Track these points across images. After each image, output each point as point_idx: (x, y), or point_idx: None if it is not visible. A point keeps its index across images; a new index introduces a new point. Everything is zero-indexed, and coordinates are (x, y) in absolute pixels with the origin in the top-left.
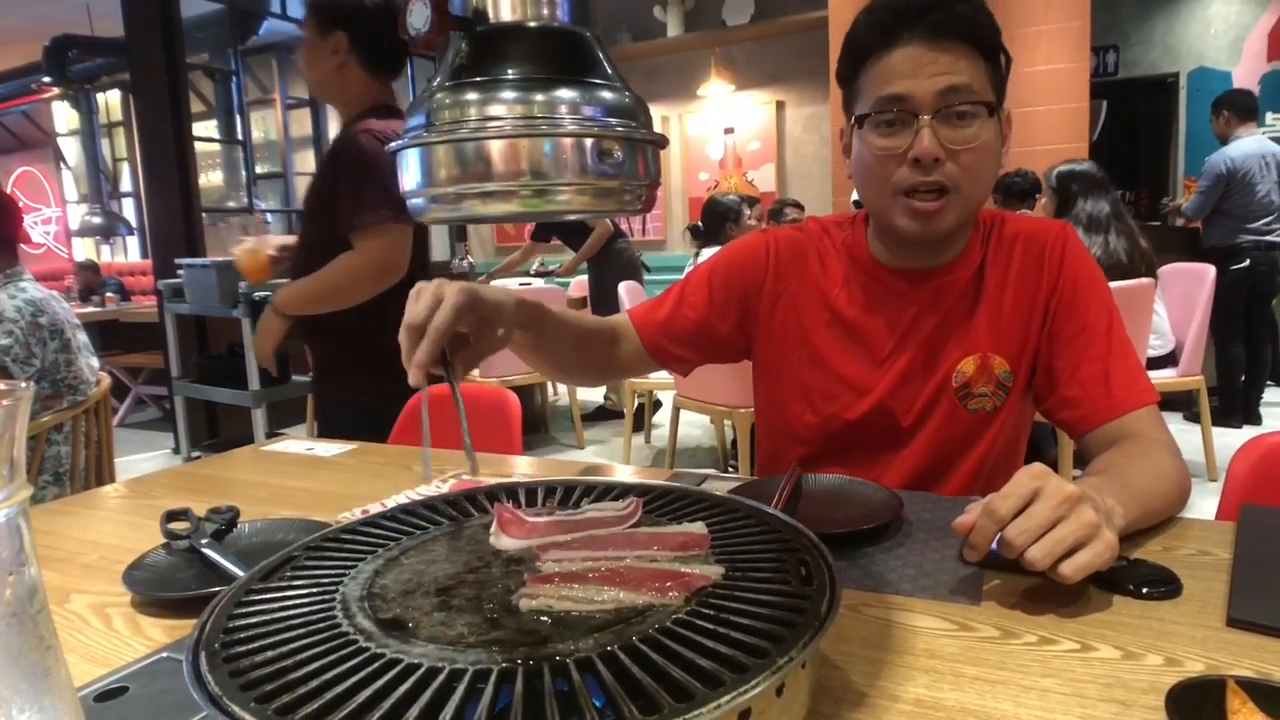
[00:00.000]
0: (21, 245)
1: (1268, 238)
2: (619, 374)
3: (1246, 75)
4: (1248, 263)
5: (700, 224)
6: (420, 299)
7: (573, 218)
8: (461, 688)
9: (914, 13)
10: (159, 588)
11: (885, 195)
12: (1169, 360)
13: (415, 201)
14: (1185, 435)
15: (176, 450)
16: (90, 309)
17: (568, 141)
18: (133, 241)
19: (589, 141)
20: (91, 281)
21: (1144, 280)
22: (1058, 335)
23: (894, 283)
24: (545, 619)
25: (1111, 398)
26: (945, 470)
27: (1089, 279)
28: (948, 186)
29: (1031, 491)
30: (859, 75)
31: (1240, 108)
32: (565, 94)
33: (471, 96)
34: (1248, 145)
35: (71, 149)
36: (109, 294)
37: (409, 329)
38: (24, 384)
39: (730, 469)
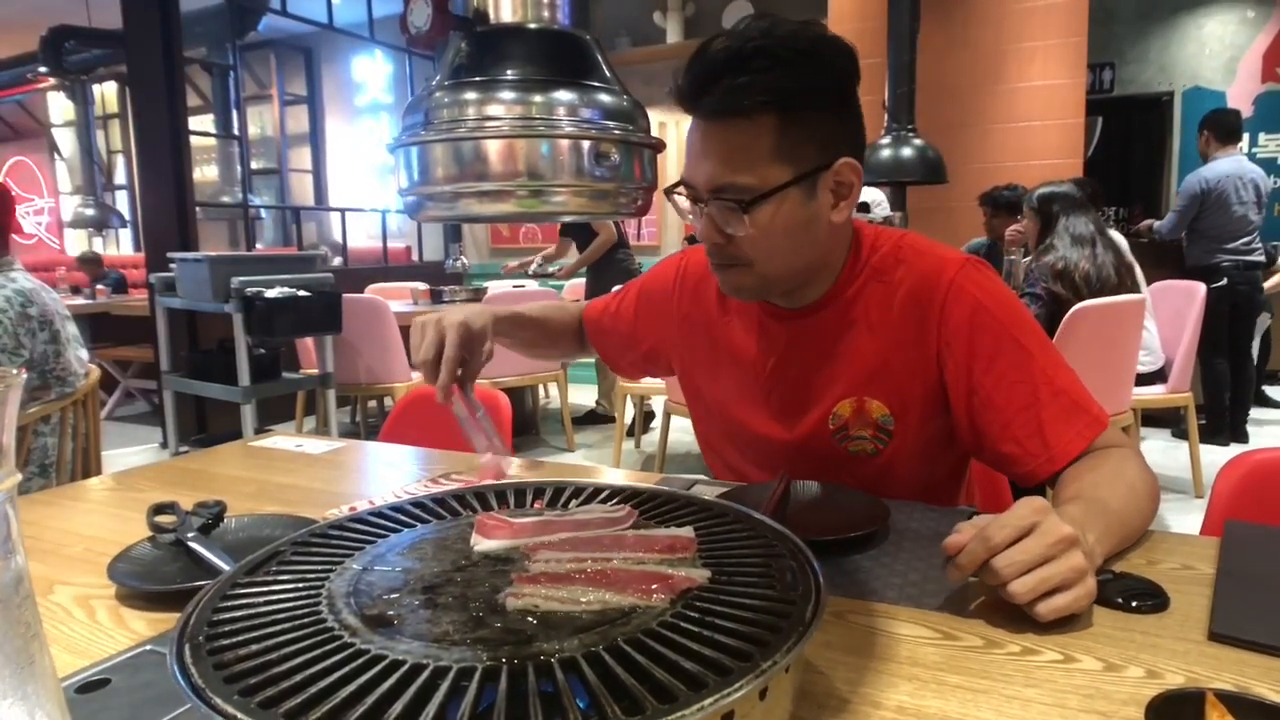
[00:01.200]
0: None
1: (1247, 257)
2: (586, 356)
3: (1241, 95)
4: (1225, 281)
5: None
6: (426, 337)
7: (568, 219)
8: (445, 685)
9: (703, 82)
10: (144, 580)
11: None
12: (1158, 376)
13: (411, 199)
14: (1172, 452)
15: (165, 445)
16: (80, 300)
17: (565, 143)
18: (125, 234)
19: (586, 144)
20: (94, 274)
21: (1135, 296)
22: (976, 389)
23: (763, 316)
24: (530, 619)
25: (1050, 450)
26: None
27: (998, 323)
28: (737, 261)
29: (1029, 525)
30: None
31: (1221, 128)
32: (563, 96)
33: (470, 96)
34: (1224, 166)
35: (66, 140)
36: (100, 286)
37: (425, 365)
38: (15, 370)
39: None
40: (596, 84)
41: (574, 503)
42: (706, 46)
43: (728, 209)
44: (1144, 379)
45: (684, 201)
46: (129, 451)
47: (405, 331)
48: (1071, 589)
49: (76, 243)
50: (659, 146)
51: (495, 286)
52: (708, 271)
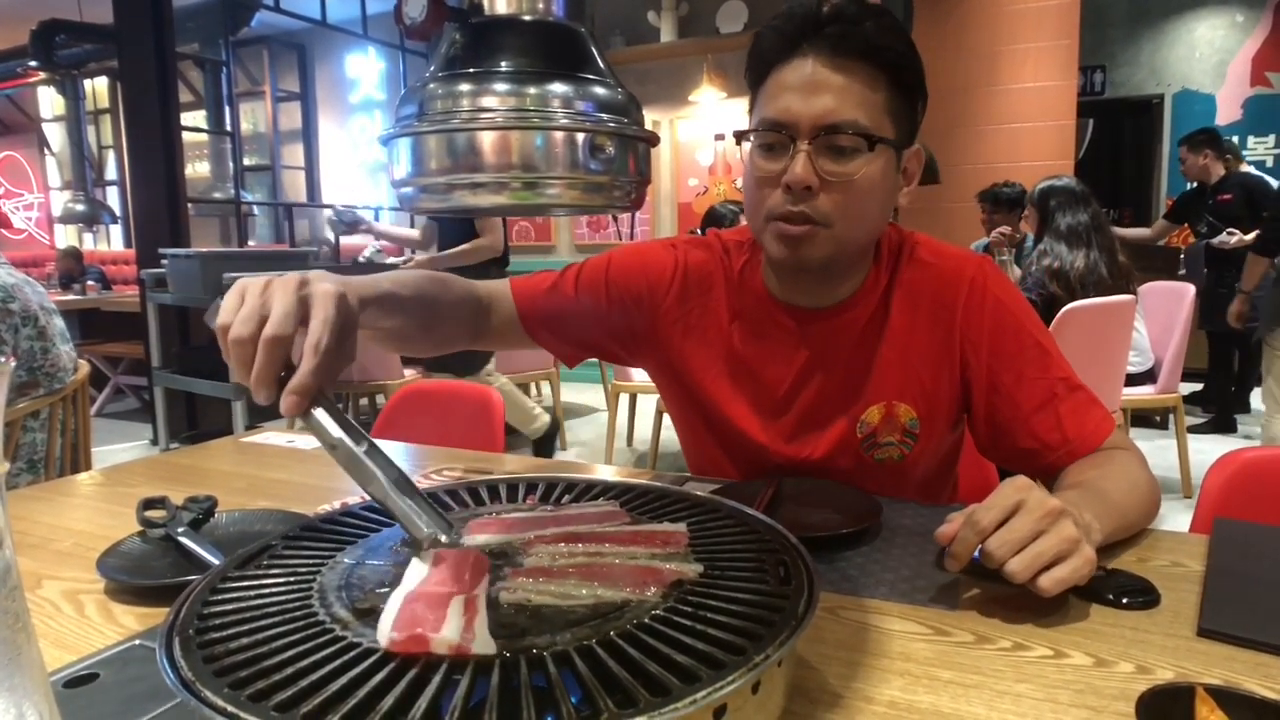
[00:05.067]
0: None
1: None
2: (487, 345)
3: (1229, 99)
4: None
5: (702, 231)
6: (274, 302)
7: (563, 213)
8: (437, 679)
9: (816, 24)
10: (133, 575)
11: (759, 219)
12: (1148, 377)
13: (405, 190)
14: (1164, 452)
15: (155, 441)
16: (71, 296)
17: (559, 135)
18: (116, 230)
19: (580, 136)
20: (73, 269)
21: (1125, 297)
22: (997, 388)
23: (784, 320)
24: (523, 612)
25: (1070, 442)
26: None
27: (1016, 321)
28: (815, 219)
29: (1014, 504)
30: (760, 84)
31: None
32: (558, 88)
33: (464, 87)
34: None
35: (56, 135)
36: (90, 282)
37: (236, 341)
38: (2, 359)
39: None
40: (591, 77)
41: (566, 498)
42: None
43: (837, 149)
44: (1133, 380)
45: (747, 150)
46: (119, 448)
47: None
48: (1069, 559)
49: (67, 238)
50: (653, 140)
51: None
52: (710, 270)
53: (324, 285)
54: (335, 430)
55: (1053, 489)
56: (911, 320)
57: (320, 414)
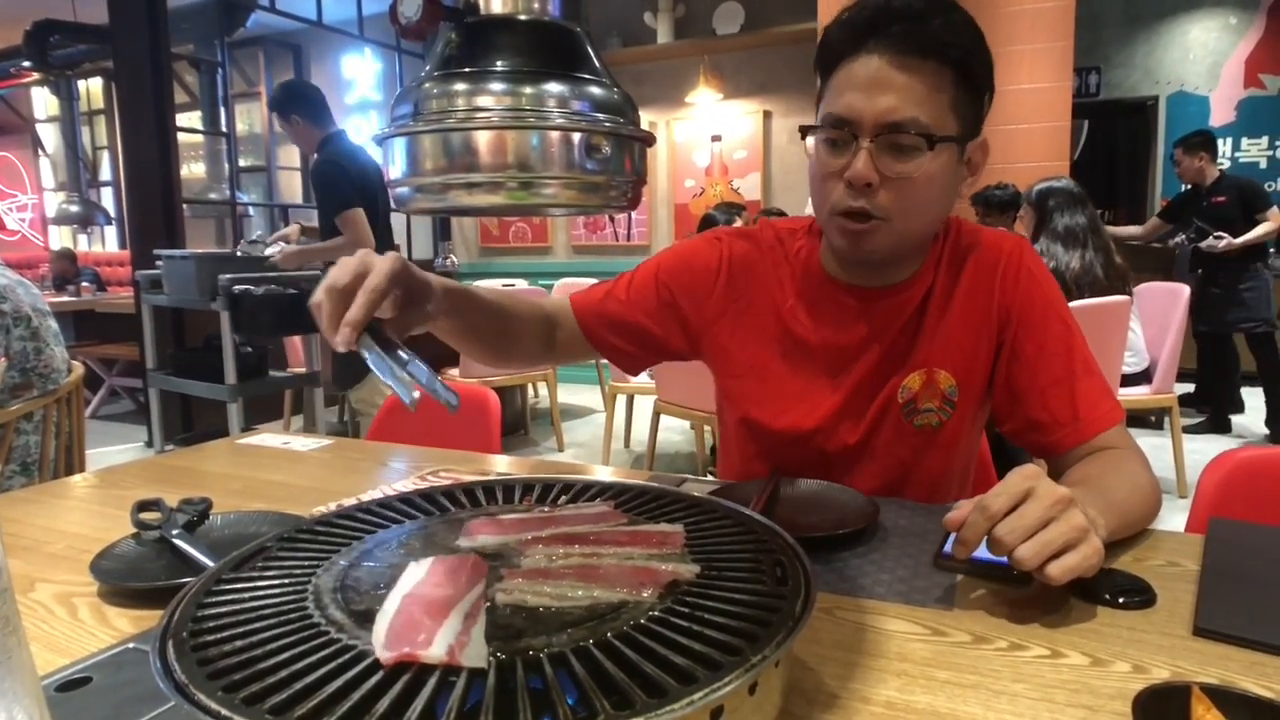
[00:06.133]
0: None
1: None
2: (558, 360)
3: (1223, 100)
4: None
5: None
6: (345, 264)
7: (559, 213)
8: (432, 681)
9: (885, 19)
10: (127, 577)
11: (824, 211)
12: (1143, 378)
13: (400, 190)
14: (1159, 452)
15: (150, 443)
16: (66, 298)
17: (555, 135)
18: (110, 231)
19: (576, 136)
20: (67, 271)
21: (1120, 298)
22: (1018, 355)
23: (844, 299)
24: (519, 614)
25: (1079, 420)
26: (895, 486)
27: (1046, 297)
28: (876, 215)
29: (1024, 491)
30: (828, 77)
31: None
32: (554, 88)
33: (460, 87)
34: None
35: (50, 136)
36: (85, 284)
37: (333, 290)
38: None
39: (710, 475)
40: (587, 76)
41: (563, 499)
42: None
43: (899, 147)
44: (1128, 380)
45: (811, 144)
46: (113, 450)
47: None
48: (1078, 548)
49: (61, 240)
50: (649, 140)
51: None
52: (756, 258)
53: (387, 254)
54: (378, 366)
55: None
56: (953, 290)
57: (368, 353)
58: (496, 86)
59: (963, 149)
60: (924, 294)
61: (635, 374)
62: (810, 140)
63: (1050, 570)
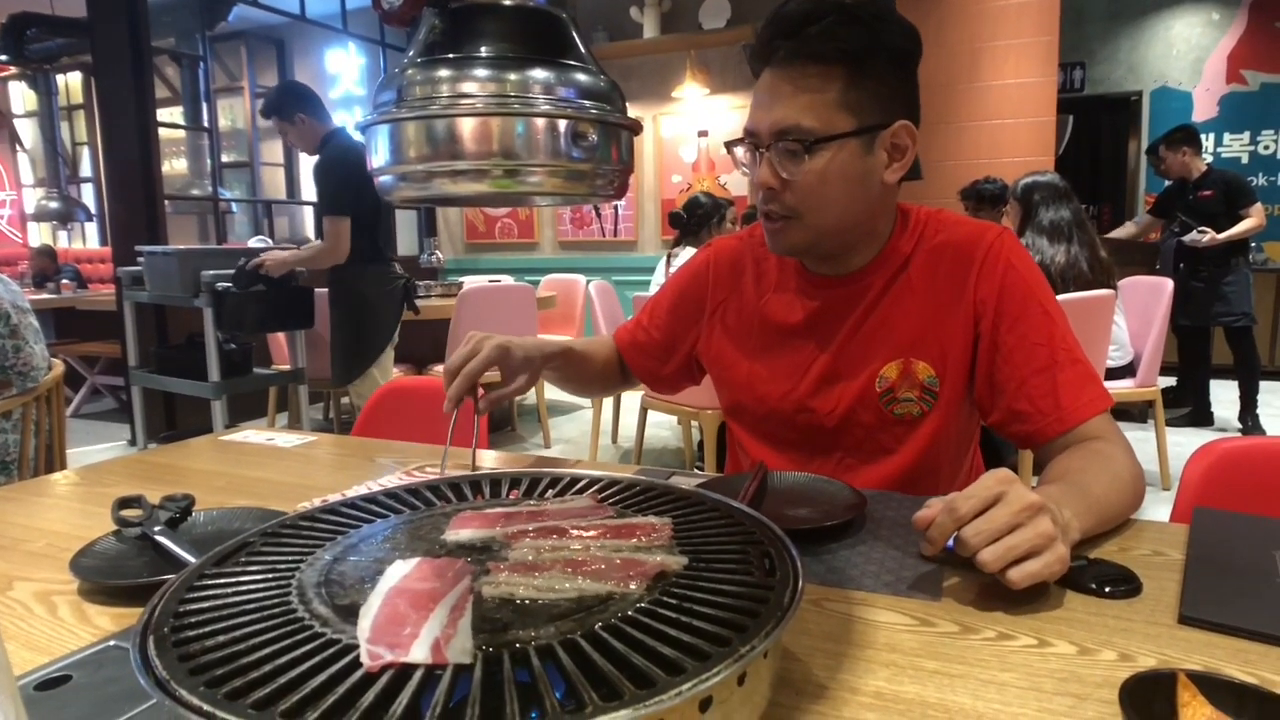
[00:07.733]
0: None
1: None
2: (628, 387)
3: (1206, 96)
4: None
5: (684, 213)
6: (464, 347)
7: (545, 202)
8: (418, 675)
9: (773, 38)
10: (108, 575)
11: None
12: (1127, 371)
13: (384, 179)
14: (1142, 445)
15: (133, 442)
16: (46, 295)
17: (540, 122)
18: (91, 228)
19: (562, 123)
20: (47, 268)
21: (1104, 291)
22: (999, 347)
23: (811, 288)
24: (506, 607)
25: (1061, 410)
26: (884, 478)
27: (1027, 287)
28: (784, 214)
29: (994, 495)
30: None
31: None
32: (539, 74)
33: (444, 73)
34: None
35: (28, 131)
36: (65, 281)
37: (448, 371)
38: None
39: (697, 469)
40: (573, 63)
41: (550, 493)
42: (784, 4)
43: (789, 152)
44: (1113, 374)
45: (743, 154)
46: (95, 449)
47: None
48: (1042, 555)
49: (40, 236)
50: (636, 128)
51: (471, 281)
52: (741, 256)
53: (496, 338)
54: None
55: (1039, 474)
56: (931, 282)
57: (455, 417)
58: (481, 73)
59: (871, 139)
60: (885, 282)
61: (673, 393)
62: (739, 151)
63: (1011, 574)
